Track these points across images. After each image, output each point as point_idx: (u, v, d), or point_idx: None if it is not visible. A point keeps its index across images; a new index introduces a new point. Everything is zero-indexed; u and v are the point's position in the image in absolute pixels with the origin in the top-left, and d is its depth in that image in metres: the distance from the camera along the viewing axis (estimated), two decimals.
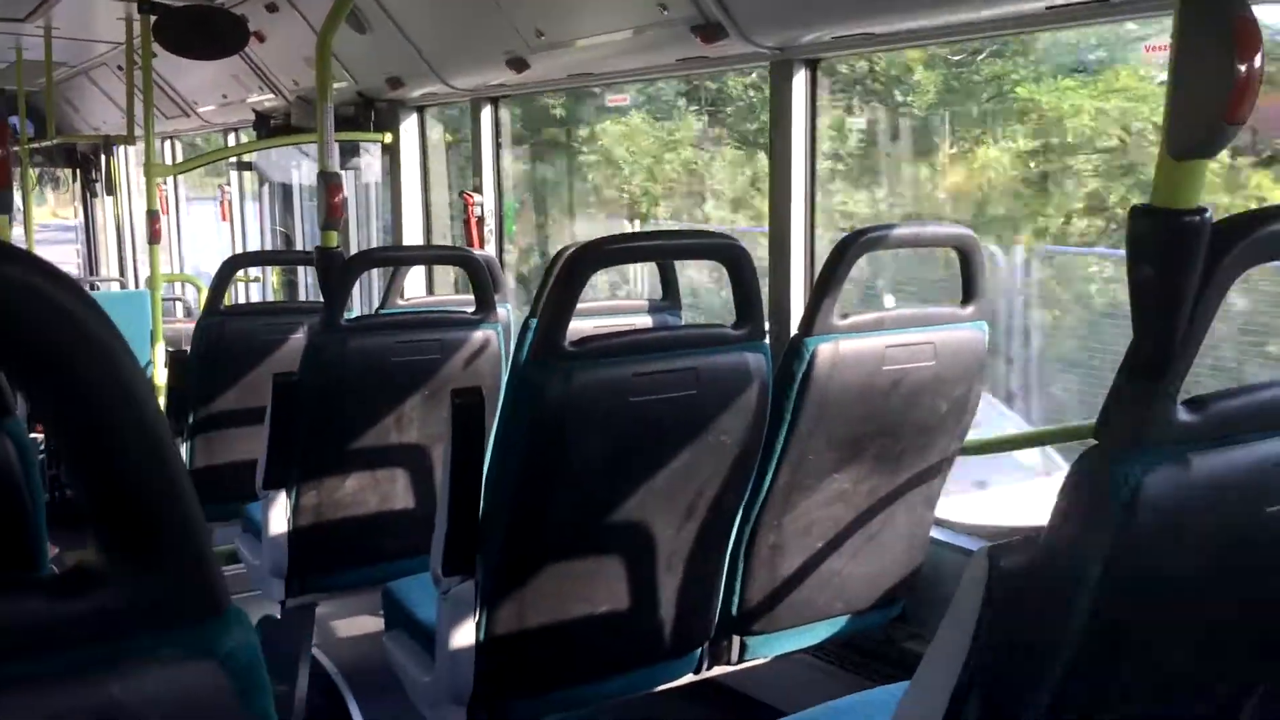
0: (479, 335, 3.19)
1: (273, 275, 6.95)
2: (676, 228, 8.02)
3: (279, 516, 3.07)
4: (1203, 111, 1.10)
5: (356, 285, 4.94)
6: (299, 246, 6.28)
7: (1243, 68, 1.08)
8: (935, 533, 2.82)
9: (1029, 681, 1.20)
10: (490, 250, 4.68)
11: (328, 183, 3.13)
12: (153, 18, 4.64)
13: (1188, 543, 1.16)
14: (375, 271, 4.99)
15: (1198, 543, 1.17)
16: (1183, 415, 1.16)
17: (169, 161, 7.73)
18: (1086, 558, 1.14)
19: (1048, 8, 2.51)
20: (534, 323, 2.95)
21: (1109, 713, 1.26)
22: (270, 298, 6.87)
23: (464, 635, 2.26)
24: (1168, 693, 1.29)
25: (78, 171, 8.72)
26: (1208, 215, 1.12)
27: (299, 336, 3.67)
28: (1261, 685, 1.33)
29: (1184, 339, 1.13)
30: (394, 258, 4.10)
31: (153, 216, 4.68)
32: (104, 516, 0.68)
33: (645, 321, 3.39)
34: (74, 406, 0.65)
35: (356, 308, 5.01)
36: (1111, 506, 1.12)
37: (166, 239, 7.47)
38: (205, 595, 0.70)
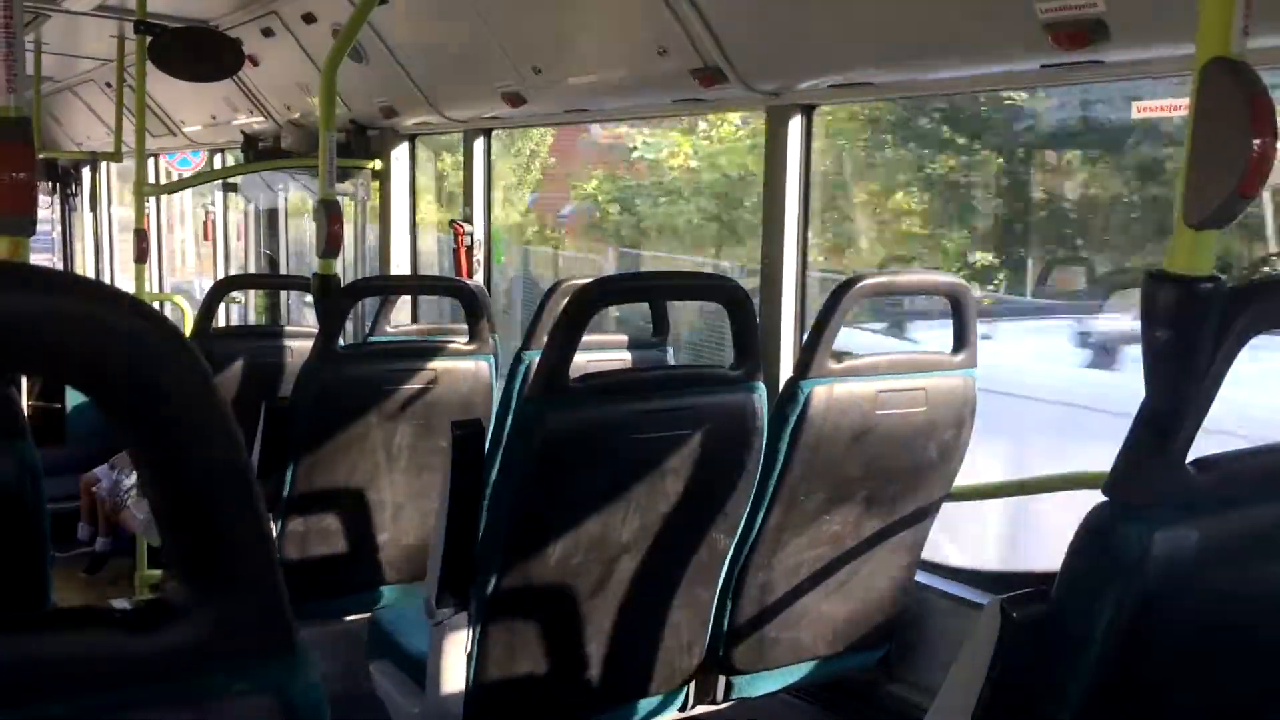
0: (471, 365, 3.20)
1: (255, 297, 6.92)
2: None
3: None
4: (1218, 184, 1.14)
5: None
6: (283, 270, 6.26)
7: (1257, 143, 1.13)
8: (920, 577, 2.85)
9: None
10: (479, 279, 4.69)
11: (328, 211, 3.14)
12: (148, 38, 4.64)
13: (1195, 600, 1.19)
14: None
15: (1205, 601, 1.20)
16: (1192, 475, 1.19)
17: (153, 180, 7.70)
18: (1097, 613, 1.17)
19: (1042, 66, 2.58)
20: (526, 355, 2.97)
21: None
22: (252, 320, 6.84)
23: (455, 666, 2.26)
24: None
25: (56, 185, 8.66)
26: (1222, 281, 1.16)
27: (287, 360, 3.67)
28: None
29: (1195, 400, 1.17)
30: (390, 286, 4.11)
31: (140, 235, 4.66)
32: (186, 550, 0.69)
33: (638, 356, 3.42)
34: (171, 448, 0.66)
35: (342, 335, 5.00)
36: (1121, 565, 1.16)
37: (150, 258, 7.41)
38: (279, 632, 0.72)
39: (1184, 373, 1.16)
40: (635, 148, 11.95)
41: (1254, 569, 1.21)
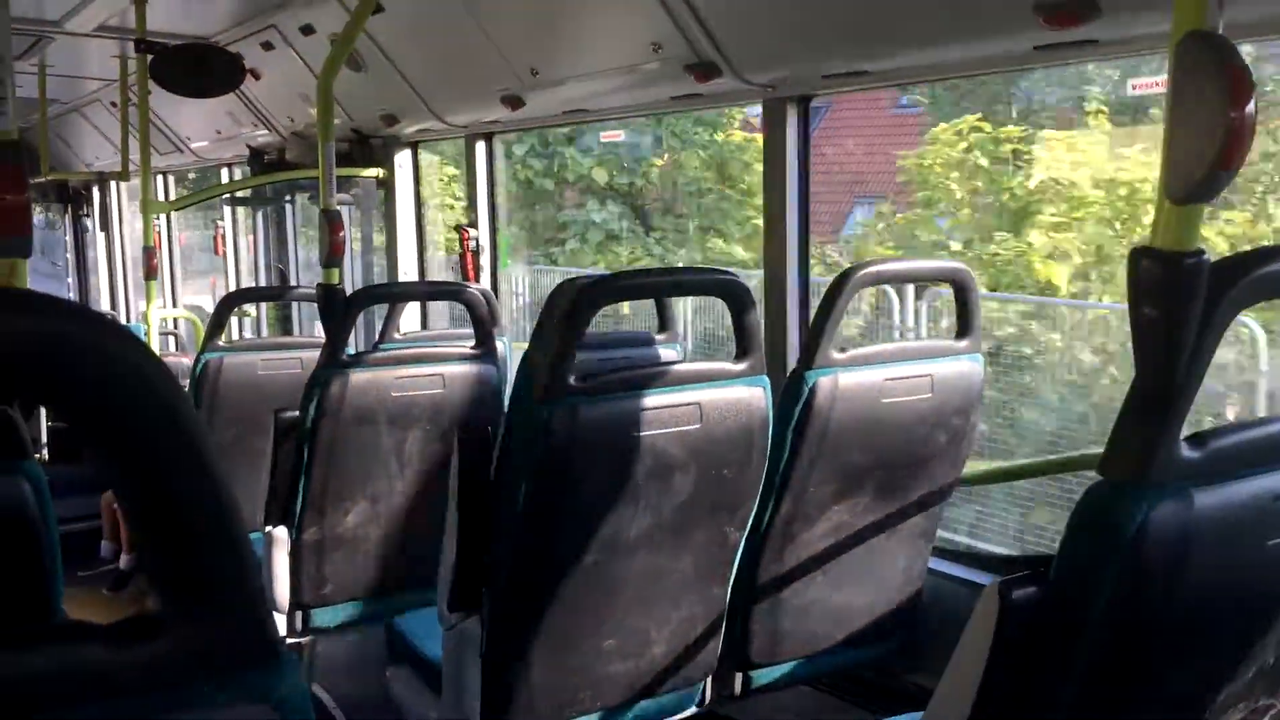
0: (478, 369, 3.22)
1: (267, 310, 6.96)
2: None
3: (280, 552, 3.08)
4: (1198, 158, 1.14)
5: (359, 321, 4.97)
6: (293, 281, 6.29)
7: (1235, 115, 1.12)
8: (934, 563, 2.84)
9: (1040, 711, 1.23)
10: (485, 283, 4.71)
11: (330, 221, 3.16)
12: (149, 57, 4.67)
13: (1192, 576, 1.19)
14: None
15: (1202, 576, 1.20)
16: (1185, 452, 1.19)
17: (162, 197, 7.75)
18: (1094, 591, 1.17)
19: (1035, 47, 2.57)
20: (538, 357, 2.97)
21: None
22: (265, 332, 6.88)
23: (470, 670, 2.27)
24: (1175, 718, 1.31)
25: (69, 207, 8.73)
26: (1205, 257, 1.15)
27: (297, 371, 3.69)
28: (1268, 715, 1.36)
29: (1185, 377, 1.17)
30: (394, 294, 4.13)
31: (148, 253, 4.70)
32: (165, 563, 0.70)
33: (644, 354, 3.42)
34: (139, 460, 0.67)
35: (352, 343, 5.03)
36: (1118, 542, 1.16)
37: (162, 275, 7.48)
38: (261, 641, 0.72)
39: (1173, 349, 1.16)
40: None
41: (1250, 543, 1.21)
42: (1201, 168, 1.14)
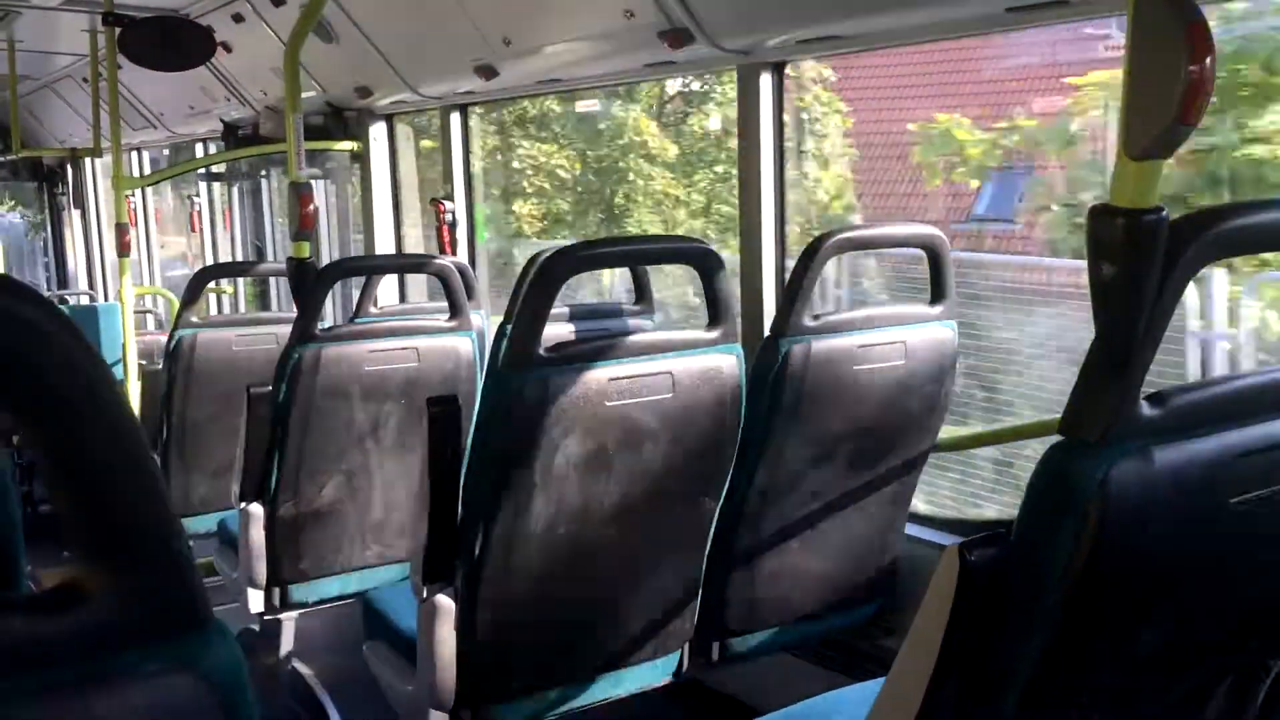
0: (453, 342, 3.20)
1: (245, 286, 6.91)
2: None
3: (256, 528, 3.06)
4: (1157, 113, 1.13)
5: (332, 295, 4.94)
6: (271, 257, 6.25)
7: (1195, 69, 1.11)
8: (910, 529, 2.85)
9: (1002, 673, 1.23)
10: (462, 256, 4.68)
11: (299, 193, 3.13)
12: (117, 30, 4.60)
13: (1154, 535, 1.18)
14: (351, 281, 4.98)
15: (1164, 535, 1.19)
16: (1146, 410, 1.18)
17: (137, 173, 7.67)
18: (1055, 552, 1.16)
19: (1007, 9, 2.54)
20: (509, 328, 2.96)
21: (1082, 701, 1.29)
22: (244, 309, 6.84)
23: (445, 642, 2.26)
24: (1140, 680, 1.31)
25: (43, 185, 8.64)
26: (1164, 214, 1.14)
27: (272, 347, 3.66)
28: (1231, 673, 1.36)
29: (1145, 335, 1.16)
30: (366, 267, 4.10)
31: (121, 229, 4.64)
32: (83, 532, 0.68)
33: (620, 325, 3.41)
34: (47, 420, 0.65)
35: (331, 317, 5.00)
36: (1078, 502, 1.15)
37: (137, 251, 7.42)
38: (188, 609, 0.71)
39: (1133, 307, 1.15)
40: None
41: (1213, 501, 1.20)
42: (1161, 124, 1.13)
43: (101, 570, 0.68)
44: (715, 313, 2.32)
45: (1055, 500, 1.17)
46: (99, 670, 0.67)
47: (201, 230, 7.28)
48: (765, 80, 3.27)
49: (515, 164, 9.54)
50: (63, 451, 0.66)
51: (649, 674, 2.55)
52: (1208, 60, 1.11)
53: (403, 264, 4.49)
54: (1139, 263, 1.15)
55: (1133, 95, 1.15)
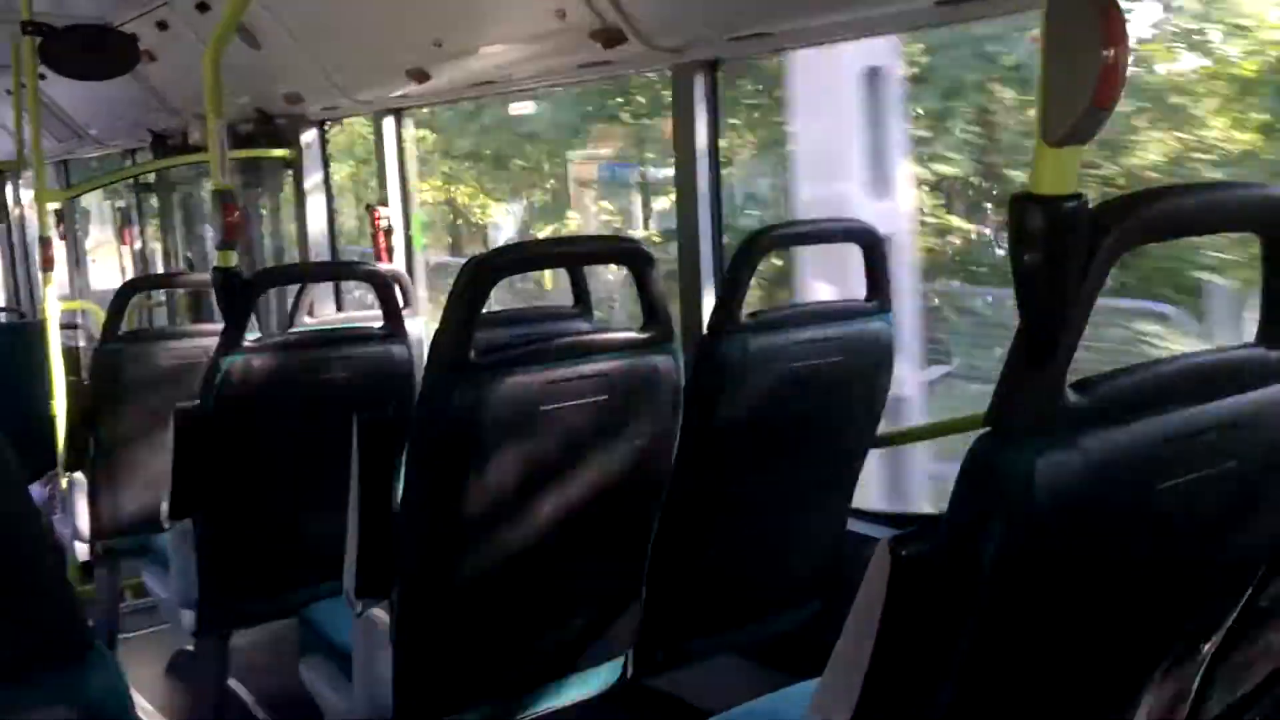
0: (388, 350, 3.14)
1: (180, 300, 6.75)
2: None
3: (187, 547, 2.98)
4: (1073, 98, 1.12)
5: (271, 306, 4.84)
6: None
7: (1109, 54, 1.10)
8: (852, 525, 2.84)
9: (937, 666, 1.21)
10: (400, 264, 4.61)
11: (223, 201, 3.06)
12: (38, 39, 4.48)
13: (1084, 524, 1.18)
14: (287, 291, 4.89)
15: (1094, 523, 1.18)
16: (1072, 398, 1.17)
17: (64, 186, 7.49)
18: (984, 544, 1.15)
19: (937, 3, 2.55)
20: (441, 334, 2.89)
21: (1018, 691, 1.28)
22: (179, 322, 6.68)
23: (381, 656, 2.22)
24: (1074, 670, 1.31)
25: None
26: (1084, 200, 1.14)
27: (202, 360, 3.57)
28: (1164, 660, 1.36)
29: (1069, 323, 1.15)
30: (296, 274, 4.02)
31: (44, 243, 4.51)
32: None
33: (556, 329, 3.37)
34: None
35: (271, 329, 4.90)
36: (1005, 493, 1.14)
37: (64, 265, 7.23)
38: (65, 639, 0.67)
39: (1055, 295, 1.14)
40: None
41: (1141, 487, 1.20)
42: (1078, 109, 1.12)
43: None
44: (650, 313, 2.30)
45: (984, 493, 1.16)
46: None
47: (131, 242, 7.12)
48: (699, 80, 3.26)
49: None
50: None
51: (594, 680, 2.52)
52: (1122, 45, 1.10)
53: (335, 272, 4.42)
54: (1061, 250, 1.14)
55: (1049, 82, 1.14)
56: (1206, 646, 1.43)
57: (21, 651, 0.65)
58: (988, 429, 1.20)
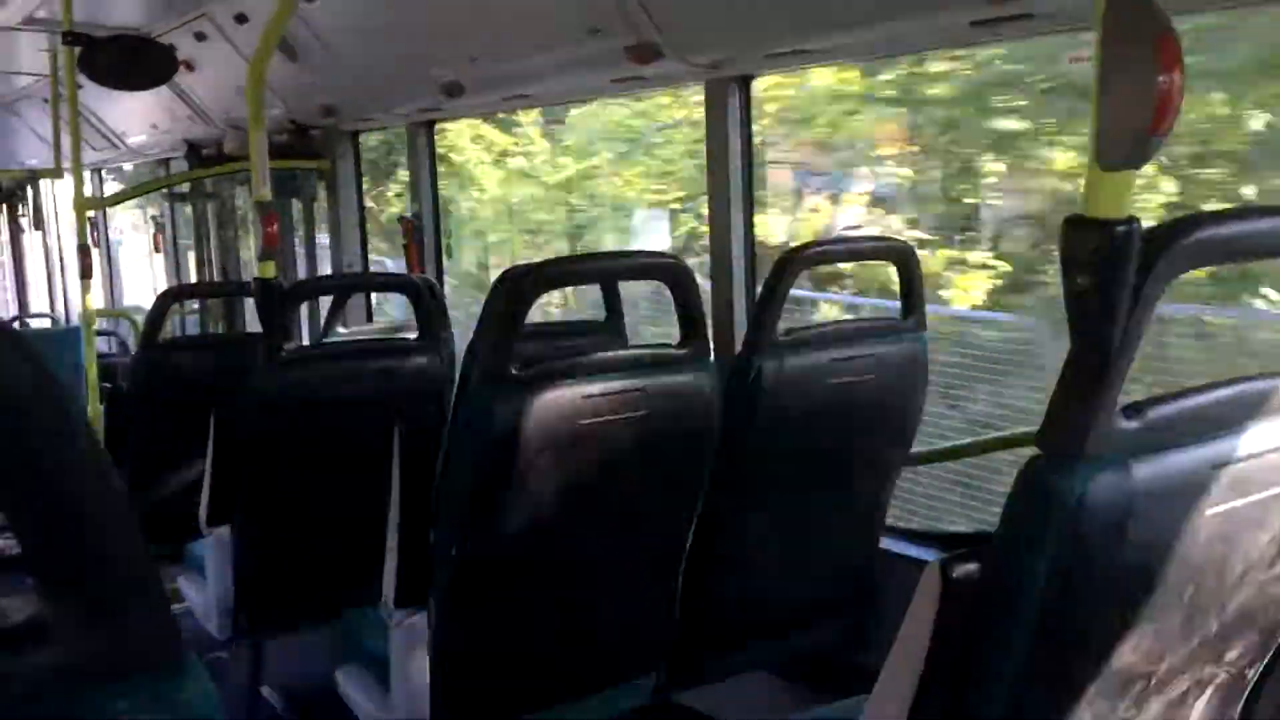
0: (423, 361, 3.16)
1: (213, 306, 6.81)
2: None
3: (223, 554, 3.01)
4: (1128, 124, 1.12)
5: (304, 315, 4.88)
6: (245, 278, 6.17)
7: (1165, 80, 1.11)
8: (885, 543, 2.84)
9: (985, 689, 1.22)
10: (430, 274, 4.64)
11: (263, 212, 3.09)
12: (77, 50, 4.54)
13: (1132, 548, 1.18)
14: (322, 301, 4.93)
15: (1142, 547, 1.19)
16: (1122, 423, 1.17)
17: (100, 194, 7.58)
18: (1033, 567, 1.15)
19: (971, 23, 2.56)
20: (479, 347, 2.92)
21: (1066, 713, 1.28)
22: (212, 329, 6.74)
23: (418, 666, 2.23)
24: (1122, 693, 1.31)
25: (3, 206, 8.51)
26: (1136, 224, 1.14)
27: (240, 368, 3.61)
28: (1211, 684, 1.36)
29: (1121, 346, 1.15)
30: (333, 286, 4.06)
31: (83, 251, 4.57)
32: (46, 565, 0.66)
33: (591, 343, 3.38)
34: (5, 448, 0.63)
35: (305, 338, 4.94)
36: (1055, 517, 1.14)
37: (100, 274, 7.31)
38: (159, 645, 0.68)
39: (1108, 318, 1.15)
40: None
41: (1190, 512, 1.20)
42: (1132, 134, 1.13)
43: (64, 606, 0.65)
44: (688, 328, 2.31)
45: (1034, 516, 1.16)
46: (65, 711, 0.64)
47: (165, 251, 7.19)
48: (734, 95, 3.28)
49: None
50: (21, 481, 0.64)
51: (626, 695, 2.53)
52: (1177, 71, 1.11)
53: (370, 283, 4.45)
54: (1113, 274, 1.14)
55: (1103, 107, 1.15)
56: (1252, 672, 1.42)
57: (116, 657, 0.67)
58: (1036, 451, 1.20)
